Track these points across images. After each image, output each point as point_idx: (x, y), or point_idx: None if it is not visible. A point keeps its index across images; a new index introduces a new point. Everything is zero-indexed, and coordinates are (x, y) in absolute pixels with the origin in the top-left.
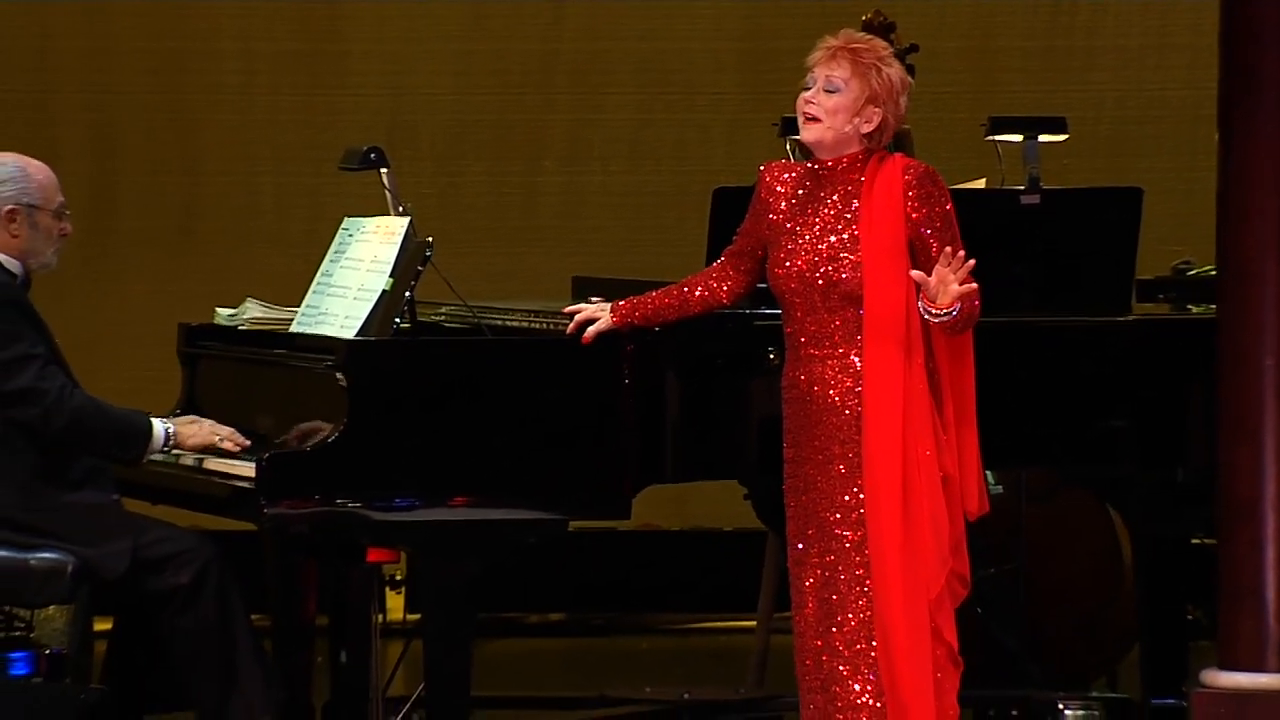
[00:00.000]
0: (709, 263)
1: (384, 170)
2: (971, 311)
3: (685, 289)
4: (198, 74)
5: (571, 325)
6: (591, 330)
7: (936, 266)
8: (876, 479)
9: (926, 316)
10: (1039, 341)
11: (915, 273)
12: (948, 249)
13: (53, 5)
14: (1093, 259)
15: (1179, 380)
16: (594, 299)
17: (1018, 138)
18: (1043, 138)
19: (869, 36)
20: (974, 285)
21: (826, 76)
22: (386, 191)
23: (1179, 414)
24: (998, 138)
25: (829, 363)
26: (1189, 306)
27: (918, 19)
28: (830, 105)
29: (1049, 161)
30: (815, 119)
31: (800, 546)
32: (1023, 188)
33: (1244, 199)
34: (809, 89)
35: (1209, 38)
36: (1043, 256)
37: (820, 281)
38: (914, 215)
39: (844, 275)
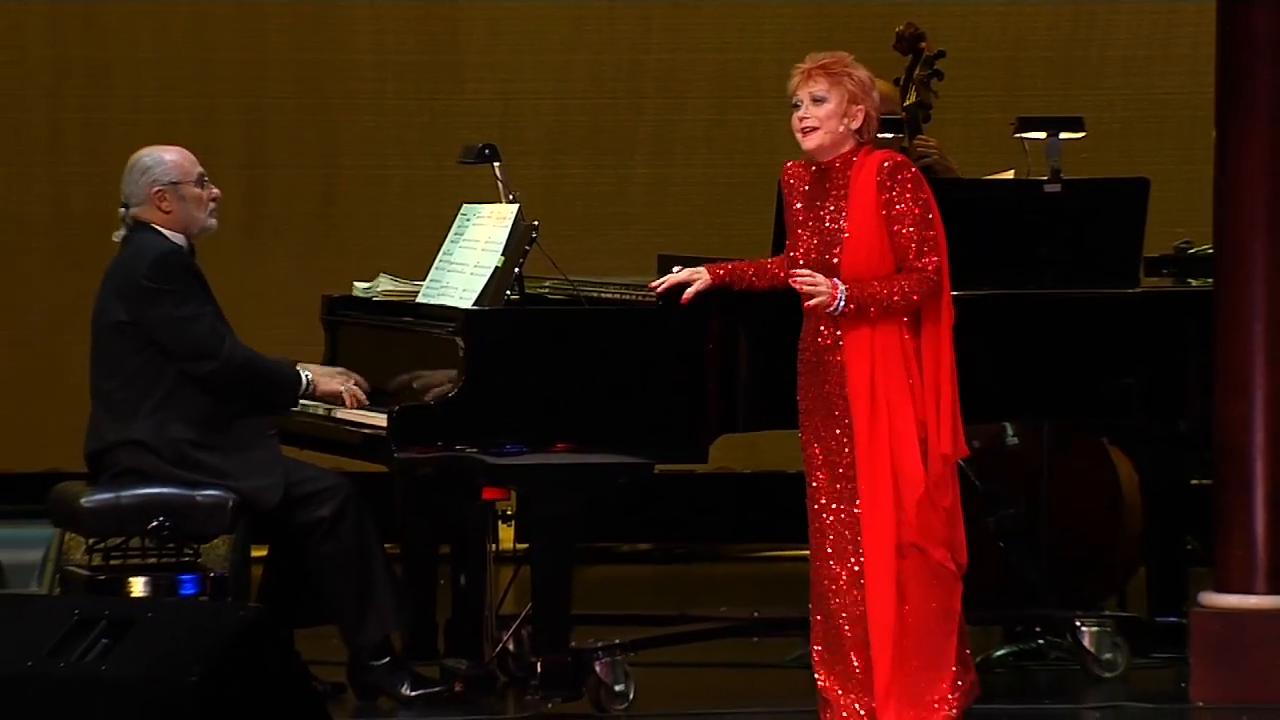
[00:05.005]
0: (775, 236)
1: (496, 164)
2: (863, 301)
3: (772, 267)
4: (337, 81)
5: (662, 287)
6: (690, 290)
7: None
8: (855, 416)
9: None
10: (1061, 311)
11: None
12: (794, 270)
13: (213, 23)
14: (1106, 240)
15: (1181, 343)
16: (676, 268)
17: (1041, 135)
18: (1063, 135)
19: (832, 51)
20: (814, 298)
21: (810, 93)
22: (498, 182)
23: (1181, 373)
24: (1024, 135)
25: (825, 326)
26: (1189, 280)
27: (954, 33)
28: (822, 114)
29: (1068, 156)
30: (813, 129)
31: (816, 484)
32: (1046, 178)
33: (1237, 188)
34: (798, 108)
35: (1207, 49)
36: (1063, 237)
37: (821, 262)
38: (884, 199)
39: (835, 257)
